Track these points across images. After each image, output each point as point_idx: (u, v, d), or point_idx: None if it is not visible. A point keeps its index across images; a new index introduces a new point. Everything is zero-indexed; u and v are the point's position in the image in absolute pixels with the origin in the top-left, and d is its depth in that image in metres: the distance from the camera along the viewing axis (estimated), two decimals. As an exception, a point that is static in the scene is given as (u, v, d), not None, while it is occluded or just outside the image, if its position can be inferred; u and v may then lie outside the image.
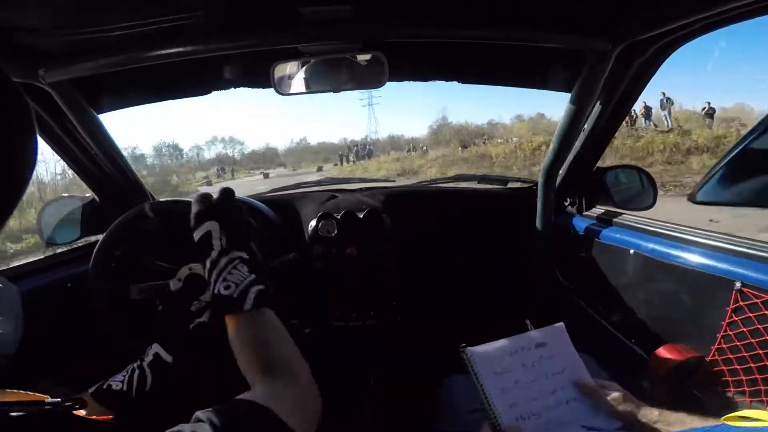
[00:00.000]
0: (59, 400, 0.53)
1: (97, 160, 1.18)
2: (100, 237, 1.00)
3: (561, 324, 0.77)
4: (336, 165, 34.13)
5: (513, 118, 36.24)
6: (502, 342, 0.73)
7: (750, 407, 0.73)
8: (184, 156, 62.70)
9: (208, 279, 0.60)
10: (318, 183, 1.68)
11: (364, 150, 35.58)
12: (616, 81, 1.01)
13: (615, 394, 0.68)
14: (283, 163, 51.17)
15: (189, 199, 0.87)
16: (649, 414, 0.64)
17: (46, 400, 0.53)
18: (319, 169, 31.70)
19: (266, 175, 30.93)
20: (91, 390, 0.73)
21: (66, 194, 1.30)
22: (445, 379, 0.93)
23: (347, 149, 39.22)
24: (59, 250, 1.28)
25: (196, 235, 0.62)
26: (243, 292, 0.57)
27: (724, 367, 0.82)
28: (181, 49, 0.86)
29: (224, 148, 65.46)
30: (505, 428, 0.64)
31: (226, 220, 0.63)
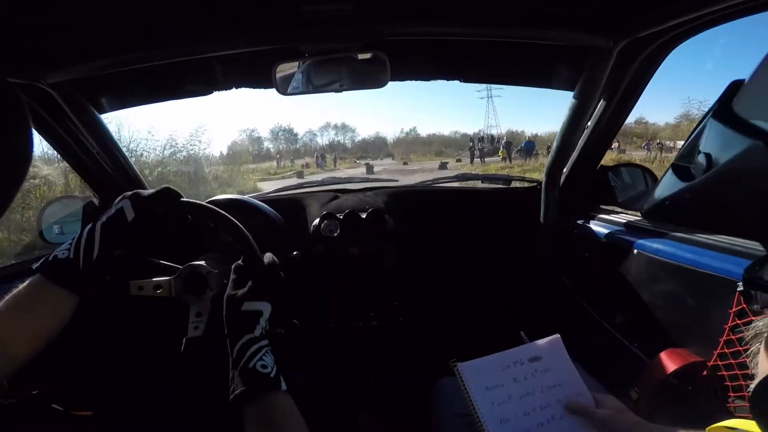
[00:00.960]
0: (39, 391, 0.53)
1: (99, 160, 1.18)
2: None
3: (557, 336, 0.75)
4: (459, 161, 27.45)
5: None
6: (494, 356, 0.72)
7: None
8: (299, 141, 63.99)
9: (237, 353, 0.57)
10: (321, 183, 1.68)
11: (493, 143, 29.46)
12: (618, 78, 1.01)
13: (610, 409, 0.66)
14: (391, 153, 49.18)
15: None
16: (643, 429, 0.62)
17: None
18: (443, 166, 22.99)
19: (370, 168, 23.97)
20: (35, 265, 0.62)
21: (66, 194, 1.30)
22: (440, 380, 0.93)
23: (476, 141, 33.11)
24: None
25: (246, 307, 0.61)
26: (278, 375, 0.57)
27: (725, 372, 0.81)
28: (182, 50, 0.86)
29: (336, 134, 67.34)
30: None
31: (278, 303, 0.64)
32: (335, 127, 68.21)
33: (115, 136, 1.17)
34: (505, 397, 0.68)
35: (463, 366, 0.69)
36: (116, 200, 0.69)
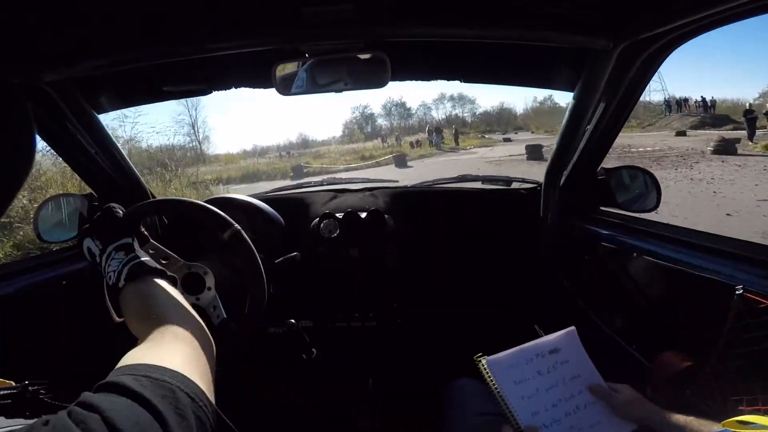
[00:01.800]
0: (26, 383, 0.54)
1: (97, 159, 1.17)
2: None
3: (572, 328, 0.77)
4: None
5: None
6: (516, 350, 0.73)
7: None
8: (413, 116, 57.45)
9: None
10: (320, 183, 1.68)
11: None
12: (617, 80, 1.01)
13: (628, 397, 0.69)
14: (521, 126, 43.56)
15: (196, 201, 0.87)
16: (661, 416, 0.64)
17: (12, 384, 0.53)
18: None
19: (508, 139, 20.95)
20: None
21: (62, 193, 1.30)
22: (454, 381, 0.93)
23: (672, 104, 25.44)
24: (56, 248, 1.28)
25: (86, 257, 0.71)
26: (118, 273, 0.62)
27: (724, 375, 0.81)
28: (181, 49, 0.86)
29: (453, 107, 59.67)
30: (525, 428, 0.65)
31: (95, 227, 0.71)
32: (451, 98, 59.96)
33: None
34: (533, 390, 0.70)
35: (489, 361, 0.70)
36: None
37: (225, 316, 0.82)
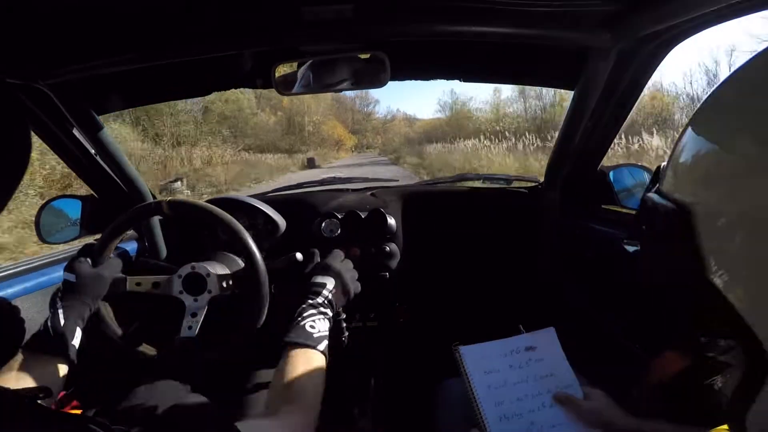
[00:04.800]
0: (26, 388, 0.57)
1: (97, 161, 1.17)
2: (100, 237, 0.99)
3: (551, 328, 0.79)
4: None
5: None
6: (493, 343, 0.76)
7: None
8: None
9: (294, 311, 0.74)
10: (321, 182, 1.68)
11: None
12: (618, 78, 1.00)
13: (598, 402, 0.68)
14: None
15: (207, 206, 0.87)
16: (631, 424, 0.63)
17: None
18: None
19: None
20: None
21: (63, 194, 1.30)
22: (442, 382, 0.93)
23: None
24: (58, 249, 1.28)
25: (316, 279, 0.81)
26: (321, 338, 0.71)
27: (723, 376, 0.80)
28: (181, 50, 0.86)
29: None
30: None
31: (340, 283, 0.82)
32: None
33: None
34: (501, 382, 0.72)
35: (465, 349, 0.74)
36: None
37: (195, 334, 0.85)
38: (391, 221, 1.34)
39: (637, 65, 0.97)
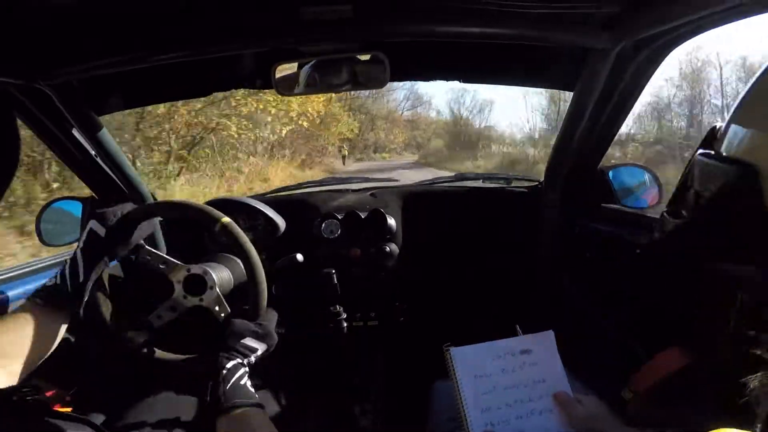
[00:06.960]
0: (14, 386, 0.55)
1: (98, 162, 1.17)
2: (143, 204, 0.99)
3: (550, 332, 0.75)
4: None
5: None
6: (487, 345, 0.72)
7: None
8: None
9: (220, 375, 0.67)
10: (321, 183, 1.68)
11: None
12: (617, 79, 1.01)
13: (591, 410, 0.66)
14: None
15: (183, 201, 0.87)
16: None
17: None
18: None
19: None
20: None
21: (63, 196, 1.30)
22: (433, 384, 0.93)
23: None
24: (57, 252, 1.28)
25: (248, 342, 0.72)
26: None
27: (723, 376, 0.80)
28: (181, 51, 0.86)
29: None
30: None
31: (270, 347, 0.74)
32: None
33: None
34: (490, 387, 0.68)
35: (456, 351, 0.70)
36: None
37: (229, 311, 0.82)
38: (391, 221, 1.34)
39: (637, 67, 0.97)
